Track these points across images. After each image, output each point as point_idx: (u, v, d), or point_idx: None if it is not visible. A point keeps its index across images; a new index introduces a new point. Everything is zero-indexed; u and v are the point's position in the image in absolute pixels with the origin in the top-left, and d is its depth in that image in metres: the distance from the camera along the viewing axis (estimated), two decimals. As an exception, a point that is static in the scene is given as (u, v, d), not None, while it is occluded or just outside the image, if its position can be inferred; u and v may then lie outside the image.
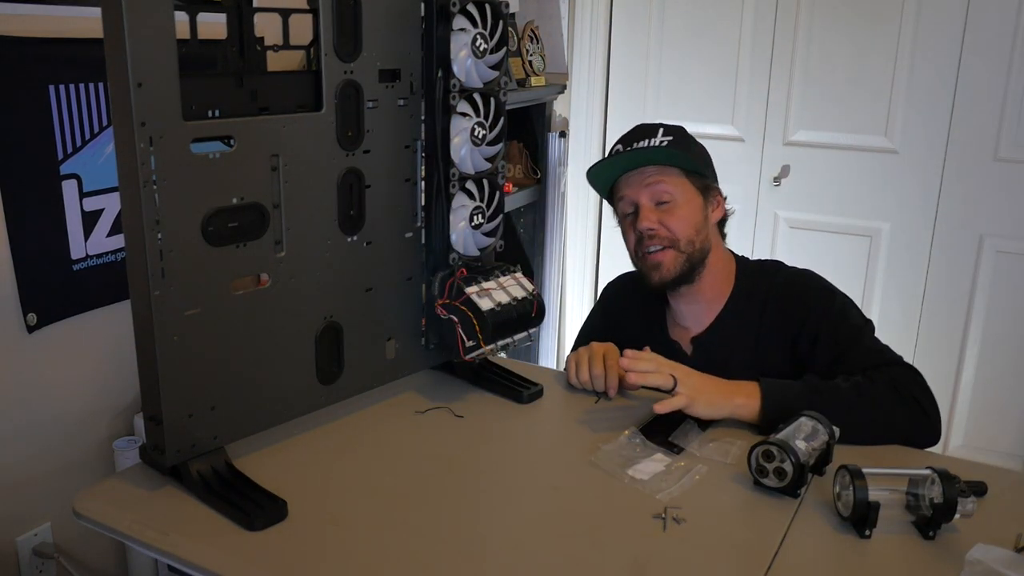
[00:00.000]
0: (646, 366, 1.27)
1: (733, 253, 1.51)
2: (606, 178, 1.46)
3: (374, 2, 1.14)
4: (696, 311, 1.46)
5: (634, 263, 1.46)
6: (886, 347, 1.35)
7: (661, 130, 1.41)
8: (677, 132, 1.43)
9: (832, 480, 1.06)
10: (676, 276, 1.40)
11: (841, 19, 2.51)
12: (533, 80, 2.63)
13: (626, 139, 1.43)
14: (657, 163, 1.39)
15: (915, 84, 2.45)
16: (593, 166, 1.46)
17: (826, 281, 1.44)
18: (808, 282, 1.44)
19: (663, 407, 1.23)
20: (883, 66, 2.48)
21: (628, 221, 1.44)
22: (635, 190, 1.41)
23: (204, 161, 0.99)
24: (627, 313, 1.57)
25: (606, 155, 1.46)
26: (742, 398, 1.25)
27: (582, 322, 1.71)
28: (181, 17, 0.97)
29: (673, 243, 1.39)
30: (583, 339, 1.63)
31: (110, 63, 0.91)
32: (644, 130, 1.43)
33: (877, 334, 1.38)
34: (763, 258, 1.53)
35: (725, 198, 1.48)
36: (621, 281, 1.64)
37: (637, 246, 1.42)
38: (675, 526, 1.01)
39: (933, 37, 2.41)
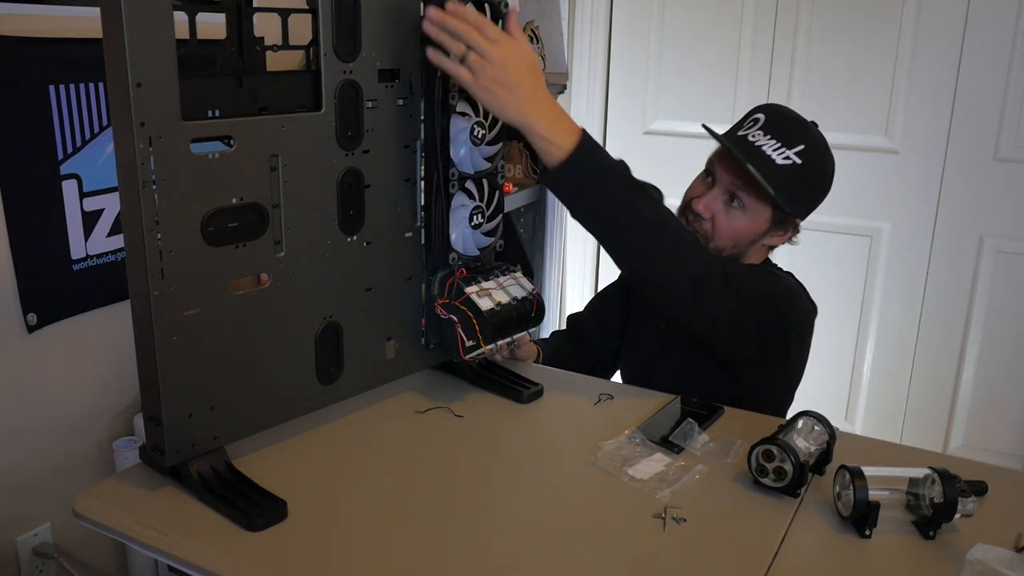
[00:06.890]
0: (454, 24, 1.11)
1: (768, 260, 1.51)
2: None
3: (374, 2, 1.14)
4: None
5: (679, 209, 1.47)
6: (757, 281, 1.36)
7: (801, 146, 1.33)
8: (812, 155, 1.35)
9: (832, 480, 1.06)
10: None
11: (841, 19, 2.51)
12: (533, 80, 2.63)
13: (769, 121, 1.36)
14: (758, 173, 1.32)
15: (915, 84, 2.46)
16: (716, 132, 1.41)
17: (795, 287, 1.44)
18: (769, 279, 1.44)
19: (433, 55, 1.15)
20: (883, 66, 2.48)
21: (703, 177, 1.44)
22: (721, 173, 1.40)
23: (204, 161, 0.99)
24: None
25: (747, 115, 1.41)
26: (551, 130, 1.19)
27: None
28: (180, 17, 0.96)
29: (706, 238, 1.41)
30: (598, 299, 1.72)
31: (109, 63, 0.91)
32: (787, 126, 1.36)
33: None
34: (779, 265, 1.53)
35: (799, 232, 1.46)
36: None
37: (689, 203, 1.44)
38: (675, 526, 1.01)
39: (933, 37, 2.41)
